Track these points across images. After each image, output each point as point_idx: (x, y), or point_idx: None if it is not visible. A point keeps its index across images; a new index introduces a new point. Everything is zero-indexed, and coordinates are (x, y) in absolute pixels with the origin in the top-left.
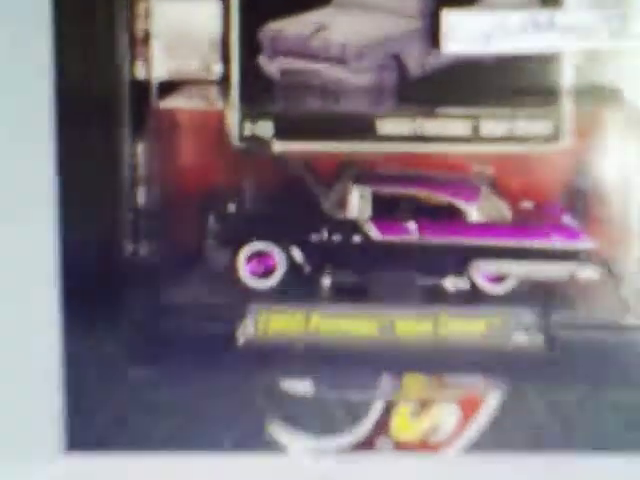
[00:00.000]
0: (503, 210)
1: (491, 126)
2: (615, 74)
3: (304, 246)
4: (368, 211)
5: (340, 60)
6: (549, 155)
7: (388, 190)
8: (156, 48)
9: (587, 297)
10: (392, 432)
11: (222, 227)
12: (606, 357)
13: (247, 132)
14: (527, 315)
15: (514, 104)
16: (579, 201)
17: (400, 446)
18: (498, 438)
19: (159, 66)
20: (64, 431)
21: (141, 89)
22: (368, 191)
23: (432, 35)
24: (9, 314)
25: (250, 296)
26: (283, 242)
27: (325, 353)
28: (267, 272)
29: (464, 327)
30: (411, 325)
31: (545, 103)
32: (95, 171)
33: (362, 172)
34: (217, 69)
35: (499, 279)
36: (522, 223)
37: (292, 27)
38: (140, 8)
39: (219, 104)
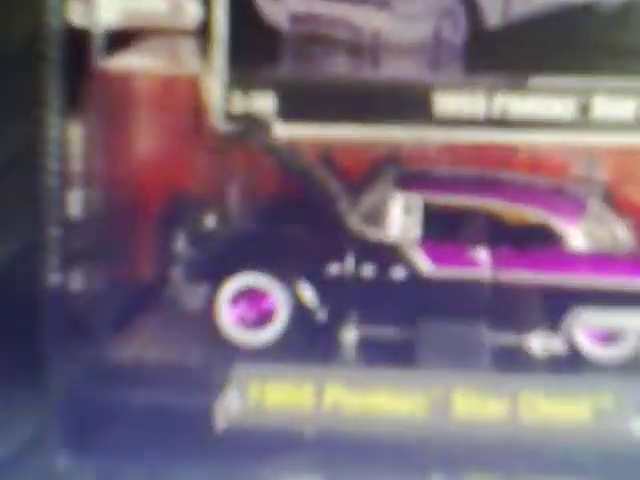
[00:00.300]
0: (620, 234)
1: (608, 105)
2: None
3: (318, 282)
4: (416, 230)
5: (381, 2)
6: None
7: (447, 200)
8: None
9: None
10: None
11: (196, 250)
12: None
13: (236, 108)
14: None
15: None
16: None
17: None
18: None
19: (106, 7)
20: None
21: (78, 41)
22: (417, 200)
23: None
24: None
25: (235, 355)
26: (286, 275)
27: (345, 443)
28: (262, 320)
29: (557, 409)
30: (476, 404)
31: None
32: (5, 165)
33: (408, 172)
34: (193, 11)
35: (612, 338)
36: None
37: None
38: None
39: (195, 65)
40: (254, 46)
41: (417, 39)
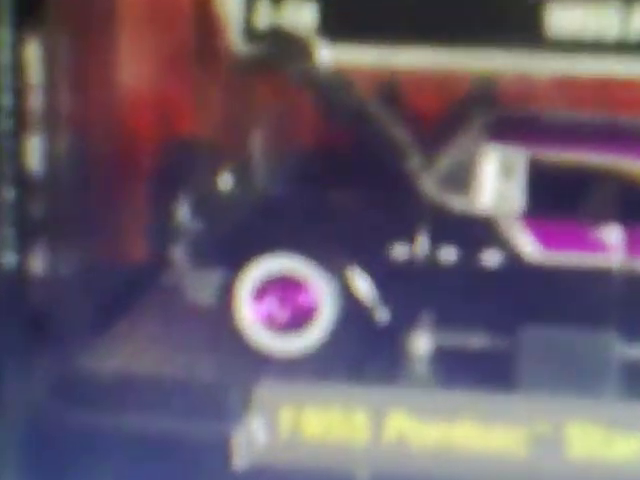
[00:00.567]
0: None
1: None
2: None
3: (377, 269)
4: (518, 199)
5: None
6: None
7: (562, 157)
8: None
9: None
10: None
11: (206, 223)
12: None
13: (263, 22)
14: None
15: None
16: None
17: None
18: None
19: None
20: None
21: None
22: (520, 157)
23: None
24: None
25: (262, 369)
26: (332, 258)
27: None
28: (298, 320)
29: None
30: (599, 441)
31: None
32: None
33: (508, 116)
34: None
35: None
36: None
37: None
38: None
39: None
40: None
41: None
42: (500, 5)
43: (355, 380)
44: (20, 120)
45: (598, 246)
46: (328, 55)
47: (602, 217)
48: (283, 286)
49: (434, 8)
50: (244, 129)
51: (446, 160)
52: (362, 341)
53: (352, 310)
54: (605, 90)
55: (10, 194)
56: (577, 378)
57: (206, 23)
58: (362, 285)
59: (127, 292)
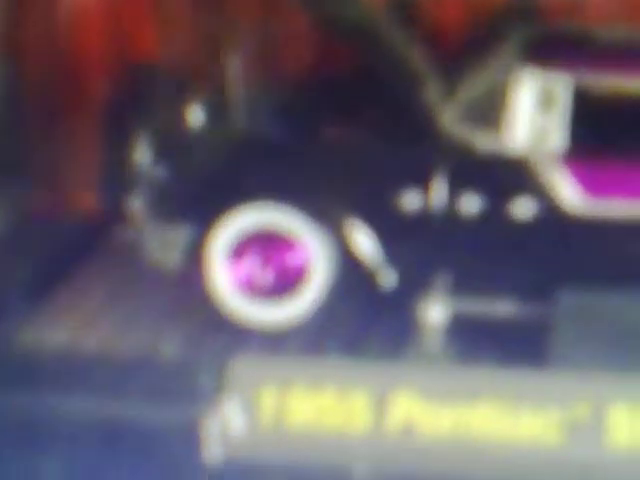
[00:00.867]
0: None
1: None
2: None
3: (383, 222)
4: (560, 137)
5: None
6: None
7: (615, 82)
8: None
9: None
10: None
11: (171, 166)
12: None
13: None
14: None
15: None
16: None
17: None
18: None
19: None
20: None
21: None
22: (564, 83)
23: None
24: None
25: (239, 343)
26: (326, 209)
27: None
28: (284, 285)
29: None
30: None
31: None
32: None
33: (549, 33)
34: None
35: None
36: None
37: None
38: None
39: None
40: None
41: None
42: None
43: (353, 356)
44: None
45: None
46: None
47: None
48: (266, 244)
49: None
50: (219, 50)
51: (472, 88)
52: (363, 309)
53: (350, 272)
54: None
55: None
56: (623, 352)
57: None
58: (363, 241)
59: (73, 251)
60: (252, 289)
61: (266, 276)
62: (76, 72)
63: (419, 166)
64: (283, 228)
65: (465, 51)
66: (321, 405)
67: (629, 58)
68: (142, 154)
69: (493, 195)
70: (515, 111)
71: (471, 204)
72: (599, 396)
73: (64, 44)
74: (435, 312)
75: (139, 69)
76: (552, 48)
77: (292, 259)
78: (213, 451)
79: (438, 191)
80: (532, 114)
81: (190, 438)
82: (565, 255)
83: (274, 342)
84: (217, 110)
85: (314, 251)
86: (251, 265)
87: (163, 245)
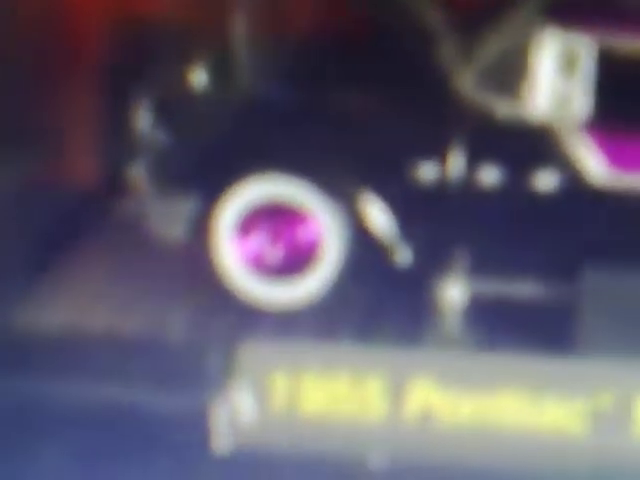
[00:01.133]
0: None
1: None
2: None
3: (398, 195)
4: (583, 103)
5: None
6: None
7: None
8: None
9: None
10: None
11: (174, 133)
12: None
13: None
14: None
15: None
16: None
17: None
18: None
19: None
20: None
21: None
22: (586, 46)
23: None
24: None
25: (248, 324)
26: (339, 181)
27: (442, 476)
28: (295, 261)
29: None
30: None
31: None
32: None
33: None
34: None
35: None
36: None
37: None
38: None
39: None
40: None
41: None
42: None
43: (368, 339)
44: None
45: None
46: None
47: None
48: (275, 217)
49: None
50: (222, 6)
51: (489, 50)
52: (377, 289)
53: (364, 248)
54: None
55: None
56: None
57: None
58: (378, 216)
59: (72, 224)
60: (261, 266)
61: (276, 252)
62: (73, 31)
63: (435, 135)
64: (293, 201)
65: (483, 10)
66: (335, 391)
67: None
68: (144, 119)
69: (513, 166)
70: (536, 75)
71: (490, 175)
72: (625, 384)
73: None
74: (453, 292)
75: (139, 28)
76: (575, 8)
77: (303, 234)
78: (222, 439)
79: (455, 161)
80: (554, 79)
81: (198, 425)
82: (590, 230)
83: (285, 323)
84: (221, 72)
85: (326, 226)
86: (260, 240)
87: (166, 216)
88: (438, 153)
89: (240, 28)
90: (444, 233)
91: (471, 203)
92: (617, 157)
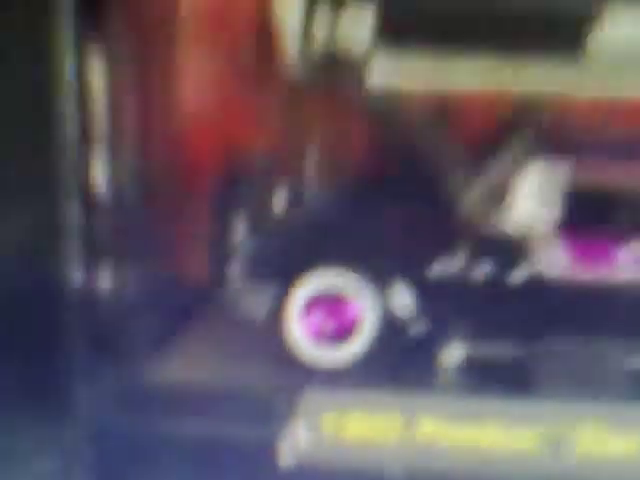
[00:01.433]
0: None
1: None
2: None
3: (418, 284)
4: (557, 217)
5: None
6: None
7: (606, 176)
8: None
9: None
10: None
11: (261, 240)
12: None
13: (320, 37)
14: None
15: None
16: None
17: None
18: None
19: None
20: None
21: None
22: (560, 175)
23: None
24: None
25: (308, 378)
26: (377, 274)
27: None
28: (342, 332)
29: None
30: (611, 440)
31: None
32: (5, 120)
33: (552, 134)
34: None
35: None
36: None
37: None
38: None
39: None
40: None
41: None
42: (547, 22)
43: (393, 387)
44: (84, 139)
45: (626, 264)
46: (385, 70)
47: (630, 236)
48: (330, 300)
49: (489, 24)
50: (299, 148)
51: (489, 177)
52: (400, 352)
53: (392, 323)
54: None
55: (76, 212)
56: (591, 383)
57: (266, 46)
58: (403, 299)
59: (187, 308)
60: (318, 336)
61: (329, 326)
62: (186, 162)
63: (447, 240)
64: (343, 288)
65: (486, 147)
66: (367, 425)
67: (621, 157)
68: (240, 230)
69: (504, 263)
70: (523, 195)
71: (487, 270)
72: (570, 417)
73: (182, 142)
74: (453, 354)
75: (240, 163)
76: (551, 149)
77: (348, 313)
78: (287, 459)
79: (461, 260)
80: (536, 198)
81: (270, 451)
82: (556, 309)
83: (334, 378)
84: (296, 197)
85: (366, 306)
86: (318, 318)
87: (253, 302)
88: (448, 254)
89: (310, 165)
90: (448, 312)
91: (473, 289)
92: (580, 258)
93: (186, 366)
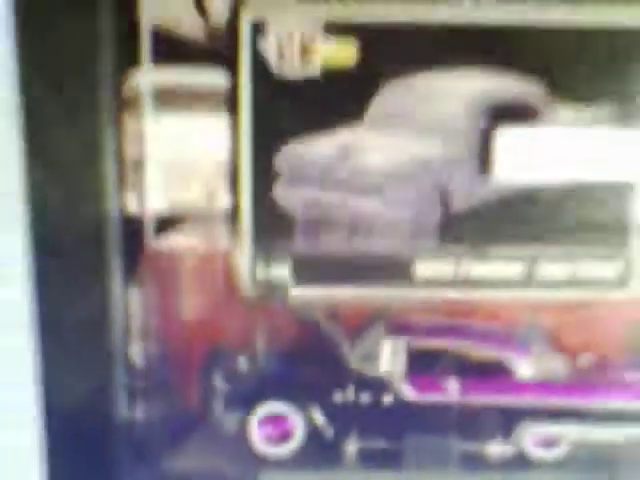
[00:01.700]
0: (559, 366)
1: (549, 269)
2: None
3: (326, 407)
4: (402, 366)
5: (374, 191)
6: (616, 303)
7: (425, 343)
8: (150, 176)
9: None
10: None
11: (231, 386)
12: None
13: (260, 277)
14: None
15: (577, 242)
16: None
17: None
18: None
19: (154, 198)
20: None
21: (133, 225)
22: (402, 344)
23: (482, 160)
24: None
25: (264, 464)
26: (302, 403)
27: None
28: (283, 437)
29: None
30: None
31: (614, 241)
32: (81, 323)
33: (395, 322)
34: (224, 201)
35: (551, 443)
36: (580, 381)
37: (316, 150)
38: (130, 127)
39: (226, 243)
40: (273, 227)
41: (402, 220)
42: (388, 264)
43: (315, 468)
44: (128, 335)
45: (446, 390)
46: (297, 292)
47: (447, 374)
48: (275, 419)
49: (354, 267)
50: (252, 335)
51: (362, 347)
52: (318, 448)
53: (313, 430)
54: (448, 307)
55: (123, 376)
56: (436, 462)
57: (230, 278)
58: (318, 417)
59: (189, 428)
60: (269, 440)
61: (275, 434)
62: (186, 346)
63: (342, 382)
64: (282, 412)
65: (360, 330)
66: None
67: (433, 332)
68: (219, 381)
69: (373, 394)
70: (382, 356)
71: (365, 398)
72: None
73: (187, 338)
74: (352, 447)
75: (217, 345)
76: (397, 329)
77: (286, 425)
78: None
79: (350, 392)
80: (389, 357)
81: None
82: (408, 419)
83: (280, 465)
84: (251, 361)
85: (296, 422)
86: (268, 429)
87: (229, 422)
88: (343, 389)
89: (259, 343)
90: (347, 422)
91: (358, 409)
92: (418, 388)
93: (191, 461)
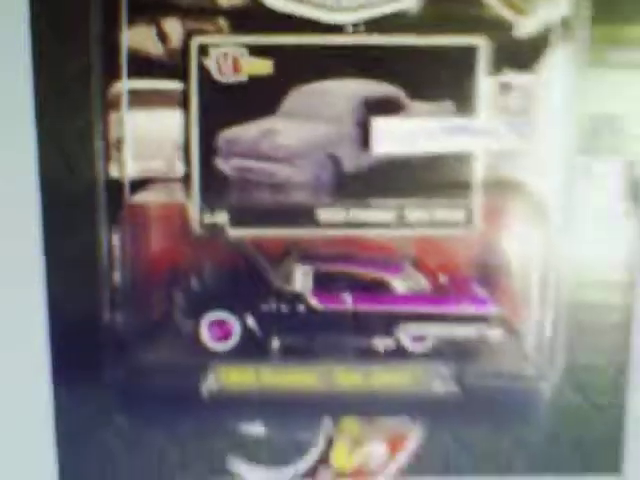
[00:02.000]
0: (422, 283)
1: (414, 214)
2: (519, 170)
3: (256, 314)
4: (310, 285)
5: (285, 160)
6: (463, 237)
7: (327, 268)
8: (127, 151)
9: (494, 353)
10: (332, 463)
11: (186, 300)
12: (509, 402)
13: (206, 221)
14: (444, 368)
15: (434, 195)
16: (488, 274)
17: (339, 475)
18: (418, 467)
19: (130, 166)
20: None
21: (115, 186)
22: (310, 269)
23: (364, 139)
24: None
25: (211, 356)
26: (239, 311)
27: (275, 401)
28: (225, 336)
29: (391, 379)
30: (347, 377)
31: (460, 194)
32: (78, 255)
33: (305, 253)
34: (180, 169)
35: (420, 339)
36: (440, 293)
37: (245, 132)
38: (113, 118)
39: (182, 198)
40: (215, 187)
41: (307, 180)
42: (299, 211)
43: (249, 358)
44: (110, 266)
45: (343, 301)
46: (234, 233)
47: (343, 290)
48: (219, 323)
49: (275, 213)
50: (201, 261)
51: (281, 271)
52: (251, 344)
53: (247, 332)
54: (347, 243)
55: (108, 292)
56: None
57: (184, 222)
58: (251, 322)
59: (158, 331)
60: (215, 338)
61: (219, 333)
62: (154, 272)
63: (267, 295)
64: (224, 318)
65: (279, 259)
66: (242, 377)
67: (332, 260)
68: (177, 297)
69: (290, 305)
70: (296, 278)
71: (284, 308)
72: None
73: (148, 263)
74: (275, 343)
75: (176, 269)
76: (306, 258)
77: (227, 328)
78: (205, 395)
79: (273, 304)
80: (301, 279)
81: (197, 389)
82: (316, 323)
83: (223, 355)
84: (201, 281)
85: (235, 325)
86: (214, 330)
87: (186, 324)
88: (268, 301)
89: (207, 268)
90: (272, 325)
91: (279, 316)
92: (322, 301)
93: (158, 355)
